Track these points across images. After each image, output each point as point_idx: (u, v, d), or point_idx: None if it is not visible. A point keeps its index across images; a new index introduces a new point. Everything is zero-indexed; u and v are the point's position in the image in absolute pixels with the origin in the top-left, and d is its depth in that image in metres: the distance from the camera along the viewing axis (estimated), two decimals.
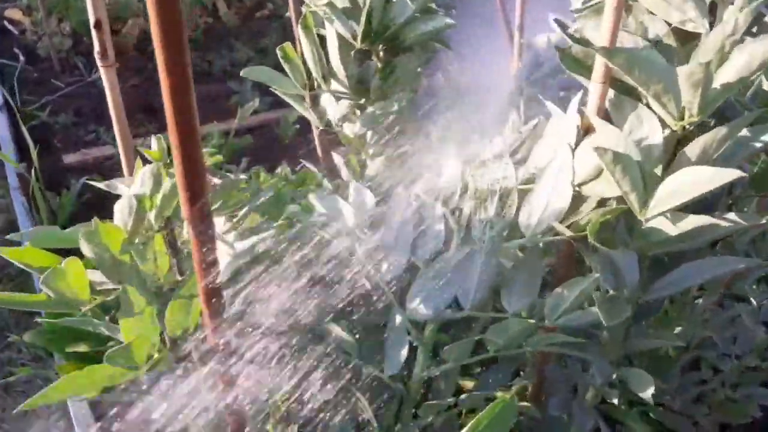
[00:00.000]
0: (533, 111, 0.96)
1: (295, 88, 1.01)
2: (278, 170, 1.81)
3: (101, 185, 0.87)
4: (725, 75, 0.58)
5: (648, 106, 0.65)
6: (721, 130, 0.61)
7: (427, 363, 0.80)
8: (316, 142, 1.15)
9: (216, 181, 0.83)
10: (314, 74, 1.02)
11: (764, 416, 1.10)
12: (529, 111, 1.03)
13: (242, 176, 2.22)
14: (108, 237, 0.70)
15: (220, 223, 0.86)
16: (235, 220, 0.85)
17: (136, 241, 0.76)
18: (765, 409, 1.10)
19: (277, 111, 2.46)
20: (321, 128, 1.06)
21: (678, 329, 0.83)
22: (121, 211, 0.71)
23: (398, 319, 0.78)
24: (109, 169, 2.19)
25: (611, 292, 0.77)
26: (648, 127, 0.67)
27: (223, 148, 2.17)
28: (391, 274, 0.80)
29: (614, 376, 0.77)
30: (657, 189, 0.63)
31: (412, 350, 0.79)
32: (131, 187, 0.75)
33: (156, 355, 0.71)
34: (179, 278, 0.78)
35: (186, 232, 0.79)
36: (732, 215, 0.67)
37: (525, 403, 0.81)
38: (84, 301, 0.72)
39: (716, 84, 0.62)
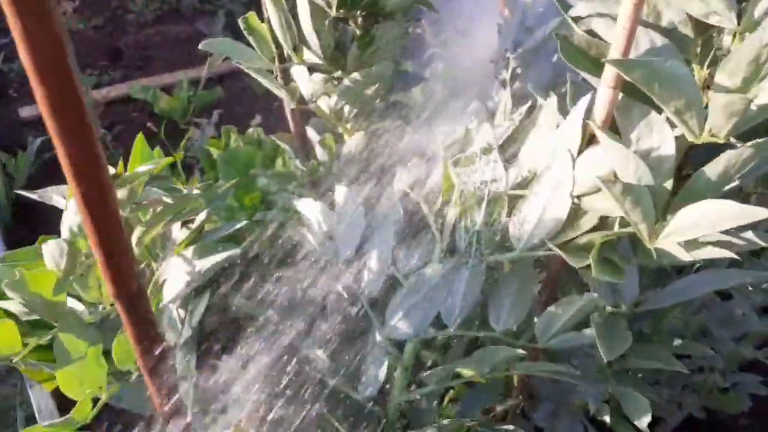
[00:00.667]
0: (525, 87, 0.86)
1: (261, 60, 0.90)
2: (250, 130, 1.71)
3: (33, 195, 0.75)
4: (764, 95, 0.50)
5: (659, 110, 0.57)
6: (746, 151, 0.53)
7: (405, 385, 0.74)
8: (289, 118, 1.05)
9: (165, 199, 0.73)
10: (284, 45, 0.91)
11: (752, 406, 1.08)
12: (522, 84, 0.93)
13: (213, 131, 2.10)
14: (37, 284, 0.61)
15: (176, 229, 0.78)
16: (193, 227, 0.76)
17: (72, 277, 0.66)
18: (754, 398, 1.07)
19: None
20: (293, 106, 0.96)
21: (677, 341, 0.77)
22: (51, 253, 0.62)
23: (377, 336, 0.72)
24: None
25: (608, 308, 0.71)
26: (659, 136, 0.59)
27: (192, 101, 2.04)
28: (369, 287, 0.73)
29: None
30: (670, 218, 0.55)
31: (393, 371, 0.73)
32: (64, 215, 0.65)
33: (104, 397, 0.64)
34: None
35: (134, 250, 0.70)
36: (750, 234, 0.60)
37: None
38: (15, 353, 0.64)
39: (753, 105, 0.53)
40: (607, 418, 0.71)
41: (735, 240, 0.62)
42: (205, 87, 2.13)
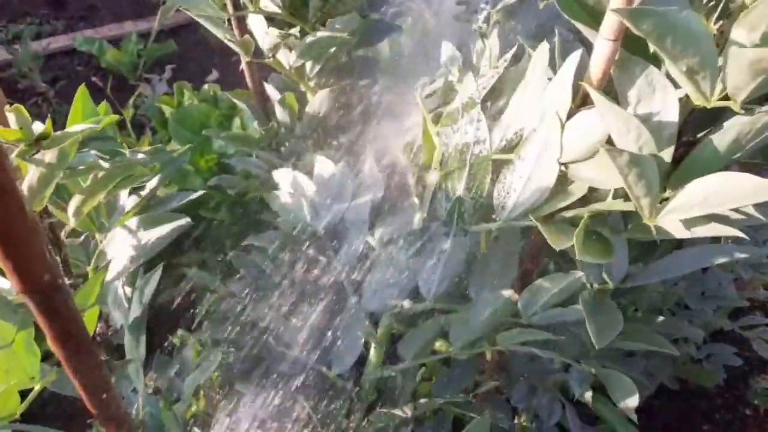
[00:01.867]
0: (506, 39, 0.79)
1: (212, 8, 0.81)
2: (205, 86, 1.59)
3: None
4: None
5: (660, 67, 0.50)
6: (763, 117, 0.47)
7: (380, 361, 0.68)
8: (245, 71, 0.96)
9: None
10: None
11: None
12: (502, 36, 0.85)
13: (165, 88, 1.97)
14: None
15: (123, 196, 0.69)
16: (143, 194, 0.68)
17: None
18: (728, 370, 1.06)
19: None
20: (248, 60, 0.87)
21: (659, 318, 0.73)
22: None
23: (353, 310, 0.65)
24: (8, 81, 1.89)
25: (596, 285, 0.66)
26: (661, 98, 0.52)
27: (142, 55, 1.90)
28: (344, 258, 0.66)
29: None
30: (671, 193, 0.49)
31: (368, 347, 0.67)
32: None
33: (36, 387, 0.55)
34: (66, 281, 0.61)
35: (71, 220, 0.61)
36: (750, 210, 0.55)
37: None
38: None
39: None
40: (588, 397, 0.67)
41: (734, 215, 0.57)
42: (157, 40, 1.98)
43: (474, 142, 0.62)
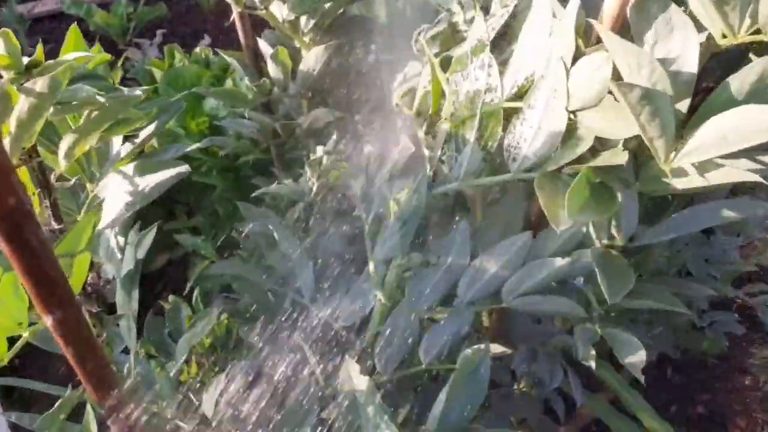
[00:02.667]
0: None
1: None
2: (197, 49, 1.54)
3: None
4: None
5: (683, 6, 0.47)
6: None
7: (385, 313, 0.65)
8: (237, 25, 0.91)
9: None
10: None
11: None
12: None
13: (156, 54, 1.92)
14: None
15: (116, 144, 0.66)
16: (137, 141, 0.64)
17: None
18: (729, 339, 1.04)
19: None
20: (240, 11, 0.83)
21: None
22: None
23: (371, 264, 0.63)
24: None
25: (604, 241, 0.63)
26: (680, 38, 0.49)
27: (132, 18, 1.85)
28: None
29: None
30: (693, 132, 0.46)
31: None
32: None
33: (25, 334, 0.52)
34: (55, 226, 0.58)
35: (62, 163, 0.58)
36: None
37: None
38: None
39: None
40: (592, 363, 0.65)
41: (752, 164, 0.54)
42: (148, 3, 1.93)
43: (485, 90, 0.59)
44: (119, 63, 1.39)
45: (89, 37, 1.86)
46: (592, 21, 0.51)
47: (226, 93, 0.92)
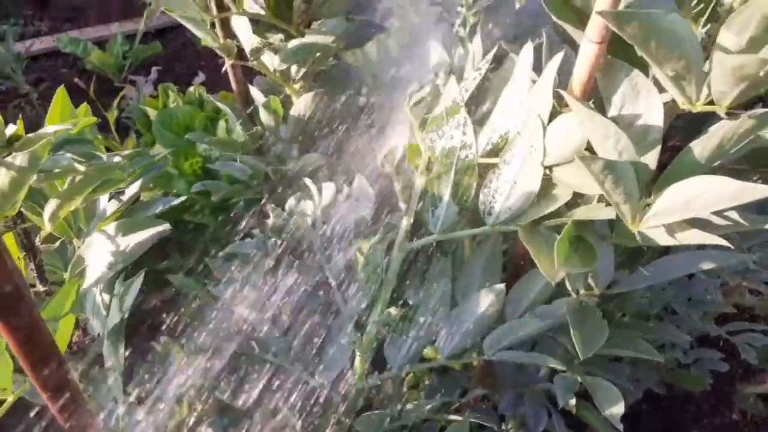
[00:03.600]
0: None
1: (194, 10, 0.79)
2: (191, 88, 1.57)
3: None
4: None
5: (645, 71, 0.50)
6: (747, 122, 0.46)
7: (365, 370, 0.67)
8: (229, 74, 0.94)
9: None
10: None
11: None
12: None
13: (151, 90, 1.95)
14: None
15: (103, 201, 0.67)
16: (123, 199, 0.66)
17: None
18: (715, 375, 1.05)
19: None
20: (233, 62, 0.85)
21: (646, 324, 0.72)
22: None
23: (345, 319, 0.64)
24: None
25: (581, 291, 0.65)
26: (645, 102, 0.52)
27: (127, 56, 1.88)
28: (334, 269, 0.65)
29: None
30: (655, 197, 0.49)
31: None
32: None
33: (9, 399, 0.54)
34: (41, 288, 0.60)
35: (47, 225, 0.60)
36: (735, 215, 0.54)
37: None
38: None
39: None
40: (572, 405, 0.66)
41: (719, 221, 0.56)
42: (144, 41, 1.96)
43: (460, 147, 0.61)
44: (115, 103, 1.42)
45: (86, 75, 1.90)
46: (562, 92, 0.54)
47: (220, 141, 0.95)
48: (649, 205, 0.50)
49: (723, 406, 1.18)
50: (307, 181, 0.72)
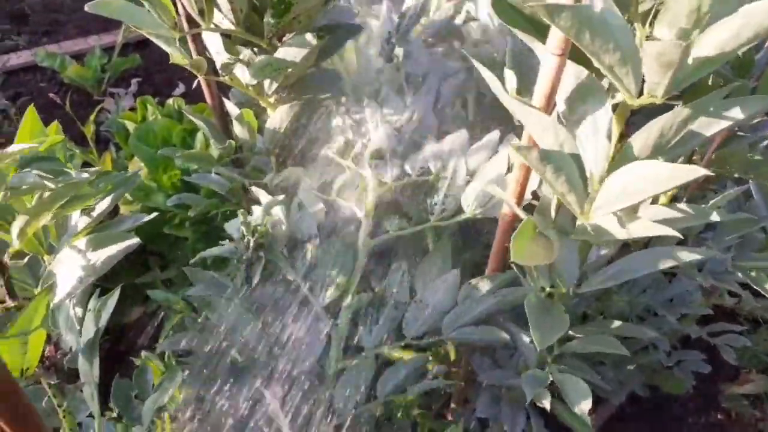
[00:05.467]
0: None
1: (163, 27, 0.79)
2: (170, 100, 1.57)
3: None
4: (704, 47, 0.43)
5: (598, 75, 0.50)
6: (683, 111, 0.47)
7: (341, 354, 0.67)
8: (203, 88, 0.94)
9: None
10: (187, 8, 0.80)
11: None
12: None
13: (131, 103, 1.94)
14: None
15: (75, 217, 0.67)
16: (94, 215, 0.66)
17: None
18: (699, 376, 1.06)
19: None
20: (202, 77, 0.85)
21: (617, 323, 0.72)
22: None
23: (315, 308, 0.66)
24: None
25: (547, 288, 0.65)
26: (594, 100, 0.52)
27: (106, 69, 1.87)
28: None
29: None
30: (601, 187, 0.49)
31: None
32: None
33: None
34: (10, 303, 0.59)
35: (15, 242, 0.59)
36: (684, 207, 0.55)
37: None
38: None
39: (690, 58, 0.47)
40: (546, 404, 0.66)
41: (676, 214, 0.57)
42: (123, 53, 1.95)
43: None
44: (92, 117, 1.41)
45: (64, 89, 1.88)
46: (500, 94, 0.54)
47: (194, 156, 0.94)
48: (593, 197, 0.50)
49: (708, 406, 1.18)
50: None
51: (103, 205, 0.66)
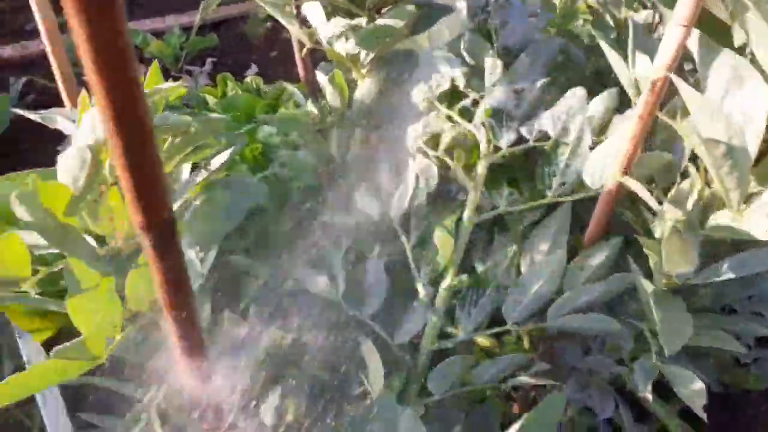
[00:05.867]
0: None
1: None
2: (248, 78, 1.61)
3: (34, 116, 0.70)
4: None
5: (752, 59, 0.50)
6: None
7: (437, 333, 0.68)
8: (297, 59, 0.97)
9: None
10: None
11: None
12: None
13: (206, 81, 1.99)
14: (50, 199, 0.54)
15: (185, 171, 0.70)
16: (210, 169, 0.69)
17: (88, 197, 0.59)
18: None
19: (247, 3, 2.19)
20: (309, 47, 0.88)
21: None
22: (69, 165, 0.54)
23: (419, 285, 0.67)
24: None
25: (664, 280, 0.65)
26: (751, 89, 0.51)
27: (184, 47, 1.93)
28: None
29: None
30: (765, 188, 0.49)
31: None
32: (79, 131, 0.57)
33: (118, 337, 0.56)
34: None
35: None
36: None
37: None
38: (24, 278, 0.57)
39: None
40: (649, 397, 0.66)
41: None
42: (199, 33, 2.01)
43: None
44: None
45: (144, 63, 1.95)
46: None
47: (287, 118, 0.97)
48: (755, 194, 0.50)
49: None
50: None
51: (220, 159, 0.69)
